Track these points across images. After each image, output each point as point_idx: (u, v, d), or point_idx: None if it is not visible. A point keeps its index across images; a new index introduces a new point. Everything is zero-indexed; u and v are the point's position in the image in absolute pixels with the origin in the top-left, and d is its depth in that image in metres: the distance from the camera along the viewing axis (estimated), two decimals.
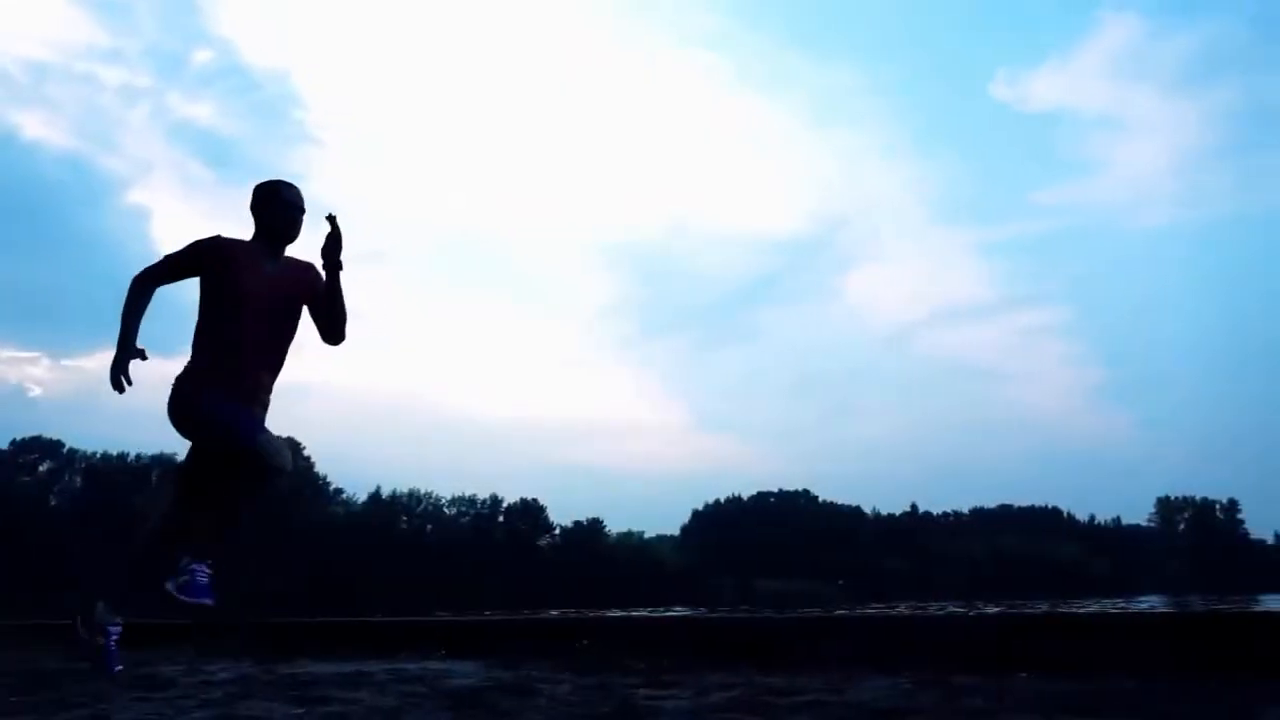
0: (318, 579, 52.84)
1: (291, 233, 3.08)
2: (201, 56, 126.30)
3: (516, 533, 74.51)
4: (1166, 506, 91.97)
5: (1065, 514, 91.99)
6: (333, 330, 3.07)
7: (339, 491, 70.50)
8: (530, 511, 77.03)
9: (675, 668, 2.41)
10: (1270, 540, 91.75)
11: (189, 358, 2.97)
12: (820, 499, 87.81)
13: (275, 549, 49.58)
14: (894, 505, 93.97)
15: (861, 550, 76.98)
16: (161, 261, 2.99)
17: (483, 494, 76.76)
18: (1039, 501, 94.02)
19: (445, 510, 75.38)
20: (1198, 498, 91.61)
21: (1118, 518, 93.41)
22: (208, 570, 2.73)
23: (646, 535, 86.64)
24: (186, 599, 2.65)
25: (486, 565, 66.16)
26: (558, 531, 78.33)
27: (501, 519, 76.11)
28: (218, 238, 3.01)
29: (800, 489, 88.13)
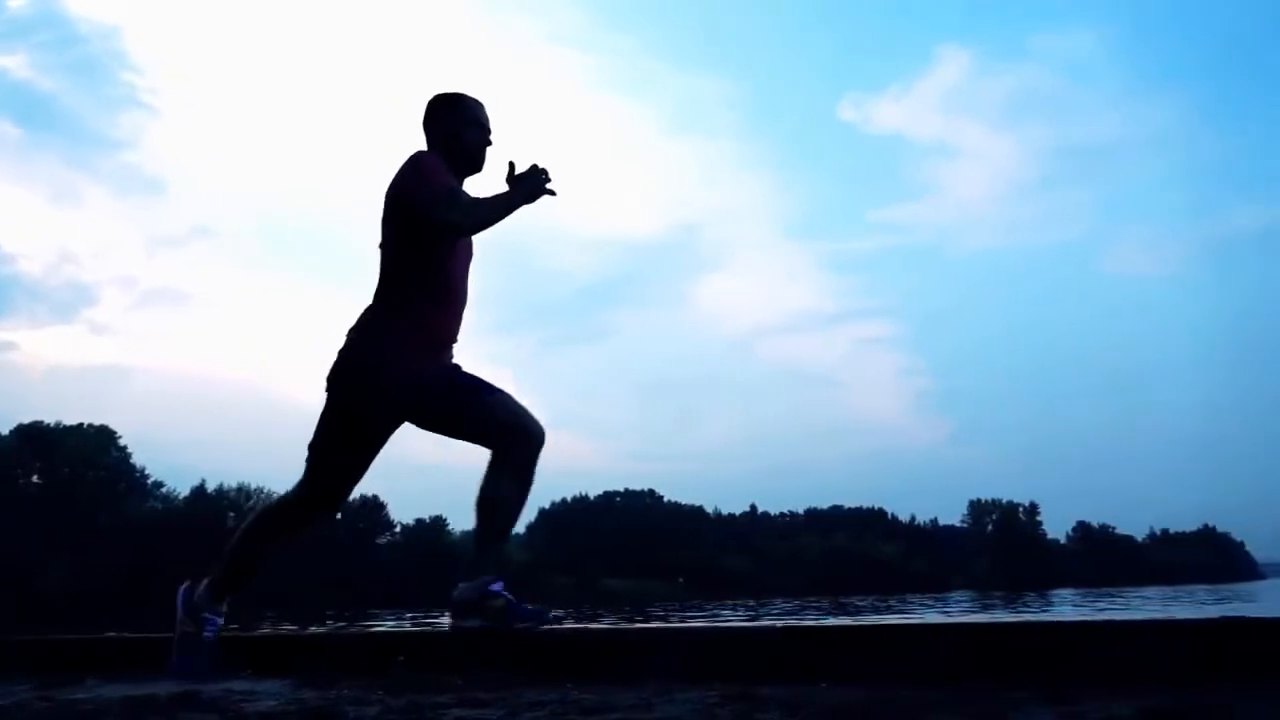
0: (133, 581, 48.93)
1: (481, 163, 2.59)
2: (15, 1, 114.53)
3: (354, 531, 71.79)
4: (977, 508, 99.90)
5: (889, 515, 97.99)
6: None
7: (158, 485, 65.70)
8: (369, 508, 74.38)
9: (494, 684, 2.40)
10: (1063, 540, 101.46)
11: (376, 307, 2.49)
12: (665, 499, 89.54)
13: (82, 549, 45.51)
14: (734, 505, 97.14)
15: (703, 549, 79.07)
16: (445, 187, 2.41)
17: None
18: (866, 503, 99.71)
19: None
20: (1004, 500, 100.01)
21: (935, 519, 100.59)
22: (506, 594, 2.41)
23: None
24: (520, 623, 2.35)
25: (322, 565, 63.41)
26: (398, 529, 76.11)
27: (338, 516, 73.14)
28: (438, 158, 2.49)
29: (646, 489, 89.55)
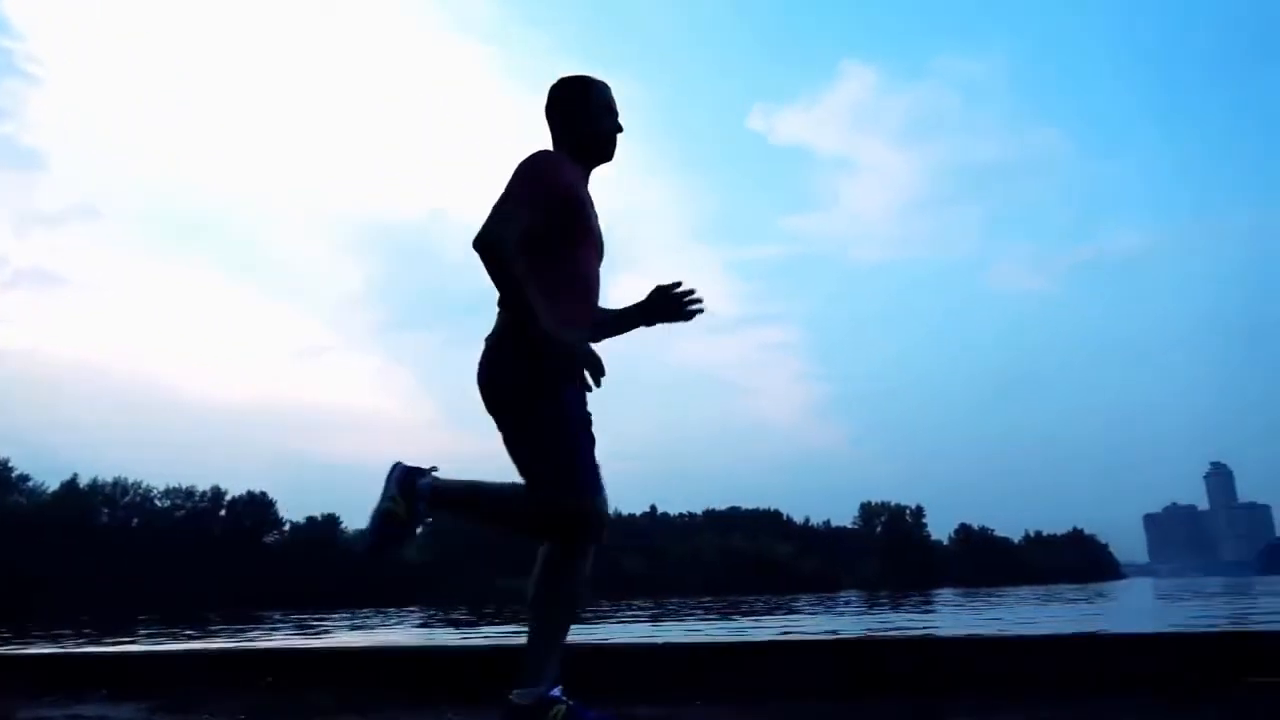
0: None
1: (613, 152, 2.37)
2: None
3: (240, 529, 68.87)
4: (868, 510, 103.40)
5: (785, 516, 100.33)
6: None
7: (24, 478, 61.55)
8: (257, 505, 71.51)
9: (367, 706, 2.33)
10: (946, 541, 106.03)
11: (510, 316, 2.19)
12: None
13: None
14: (635, 506, 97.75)
15: (604, 550, 79.17)
16: (516, 203, 2.11)
17: (203, 485, 70.25)
18: (763, 504, 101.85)
19: (157, 502, 68.10)
20: (893, 503, 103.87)
21: (828, 520, 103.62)
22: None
23: None
24: None
25: (204, 563, 60.57)
26: (287, 528, 73.42)
27: (223, 513, 70.06)
28: (559, 153, 2.28)
29: None
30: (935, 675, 2.27)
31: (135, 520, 65.88)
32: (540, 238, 2.16)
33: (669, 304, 2.43)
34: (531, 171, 2.14)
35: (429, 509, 2.18)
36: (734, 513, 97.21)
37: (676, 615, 17.63)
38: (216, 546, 64.25)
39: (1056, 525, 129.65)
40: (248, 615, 27.61)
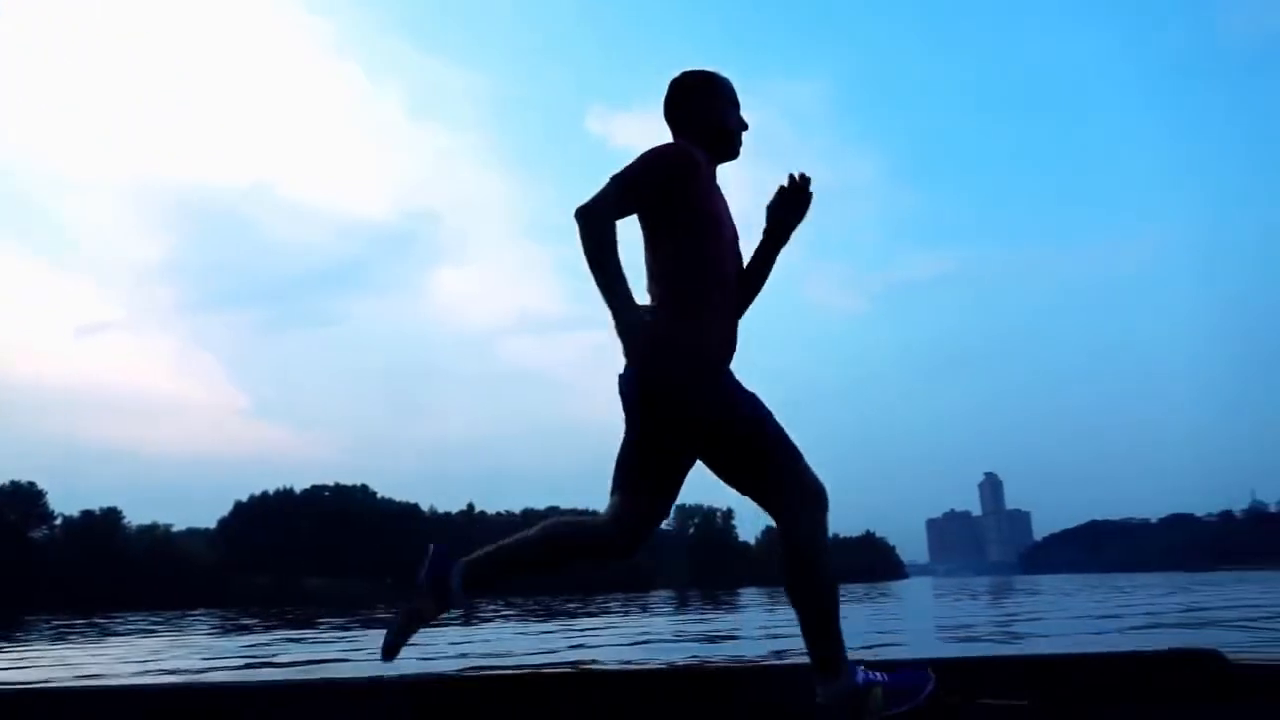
0: None
1: (737, 151, 2.25)
2: None
3: (3, 522, 61.65)
4: (681, 512, 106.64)
5: None
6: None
7: None
8: (22, 497, 64.24)
9: None
10: (753, 542, 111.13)
11: (657, 305, 2.06)
12: (379, 495, 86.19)
13: None
14: (452, 504, 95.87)
15: (416, 549, 77.10)
16: (625, 184, 2.01)
17: None
18: (582, 504, 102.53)
19: None
20: (705, 505, 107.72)
21: None
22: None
23: (175, 528, 77.50)
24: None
25: None
26: (59, 521, 66.42)
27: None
28: (687, 144, 2.13)
29: (359, 484, 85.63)
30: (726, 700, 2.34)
31: None
32: (667, 228, 2.09)
33: (795, 199, 2.23)
34: (653, 157, 2.06)
35: (465, 599, 2.12)
36: (553, 512, 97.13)
37: (491, 616, 17.57)
38: None
39: (851, 528, 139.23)
40: (18, 619, 24.85)
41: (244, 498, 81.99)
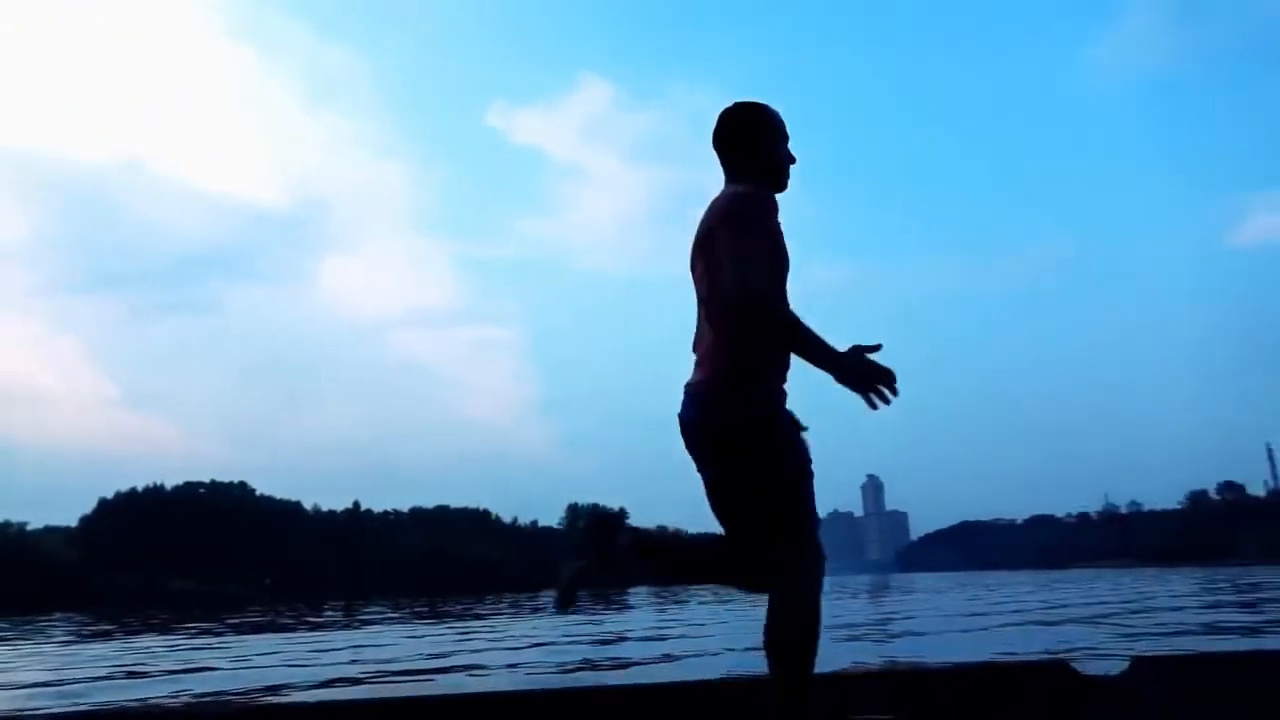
0: None
1: (787, 183, 2.17)
2: None
3: None
4: (574, 511, 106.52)
5: (493, 515, 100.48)
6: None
7: None
8: None
9: None
10: None
11: (738, 342, 1.96)
12: (258, 492, 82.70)
13: None
14: (337, 502, 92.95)
15: (298, 548, 74.33)
16: (765, 251, 1.94)
17: None
18: (472, 503, 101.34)
19: None
20: (599, 504, 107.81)
21: (535, 520, 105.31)
22: None
23: (30, 526, 72.39)
24: None
25: None
26: None
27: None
28: (759, 188, 2.07)
29: (236, 481, 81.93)
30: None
31: None
32: None
33: (874, 376, 1.95)
34: (764, 214, 2.02)
35: (632, 563, 2.04)
36: (442, 511, 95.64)
37: (375, 618, 17.11)
38: None
39: None
40: None
41: (110, 494, 77.32)
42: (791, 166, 2.20)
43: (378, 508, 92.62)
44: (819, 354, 1.92)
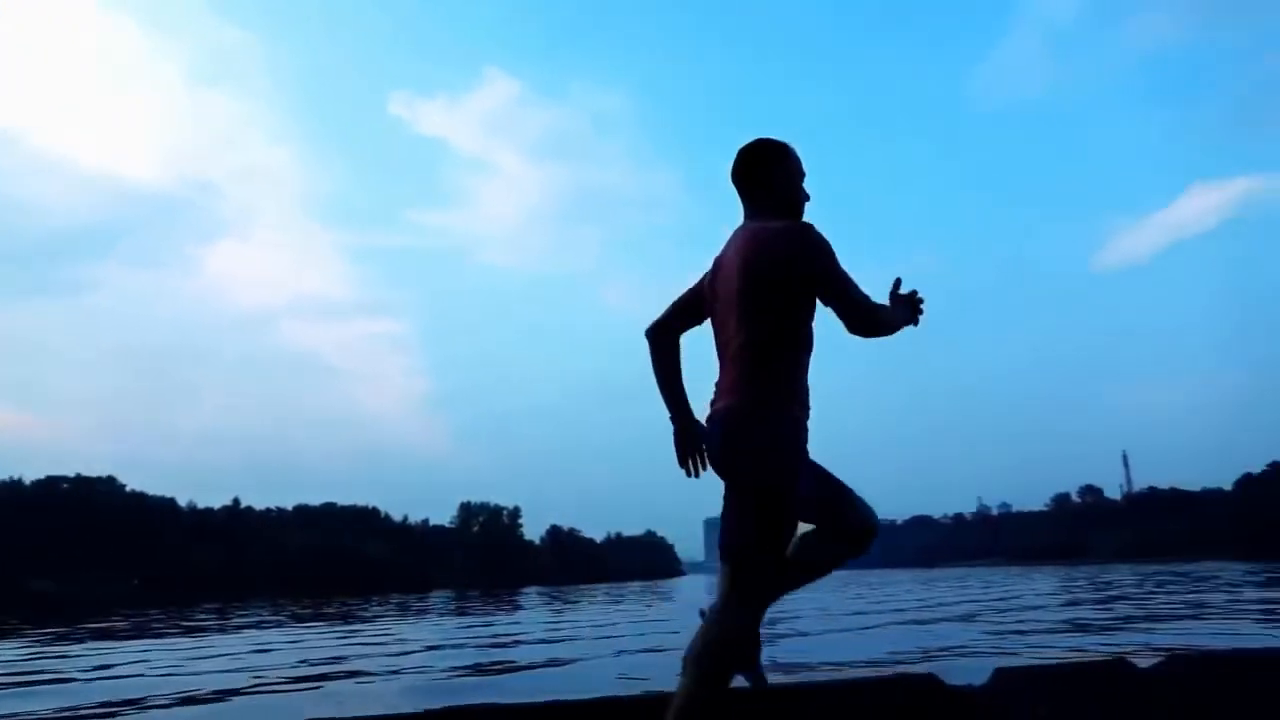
0: None
1: (801, 217, 2.30)
2: None
3: None
4: (467, 510, 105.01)
5: (382, 513, 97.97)
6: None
7: None
8: None
9: None
10: (538, 541, 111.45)
11: (766, 377, 2.11)
12: (128, 488, 78.06)
13: None
14: (214, 498, 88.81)
15: (171, 547, 70.49)
16: (849, 280, 2.15)
17: None
18: (360, 500, 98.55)
19: None
20: (492, 503, 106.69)
21: (427, 519, 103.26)
22: None
23: None
24: None
25: None
26: None
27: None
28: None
29: (104, 475, 77.11)
30: None
31: None
32: (801, 309, 2.16)
33: (917, 307, 2.38)
34: (822, 239, 2.14)
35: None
36: (329, 509, 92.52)
37: (246, 623, 16.37)
38: None
39: (634, 528, 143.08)
40: None
41: None
42: (806, 204, 2.31)
43: (260, 505, 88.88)
44: (899, 319, 2.27)
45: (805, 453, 2.18)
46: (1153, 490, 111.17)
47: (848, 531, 2.25)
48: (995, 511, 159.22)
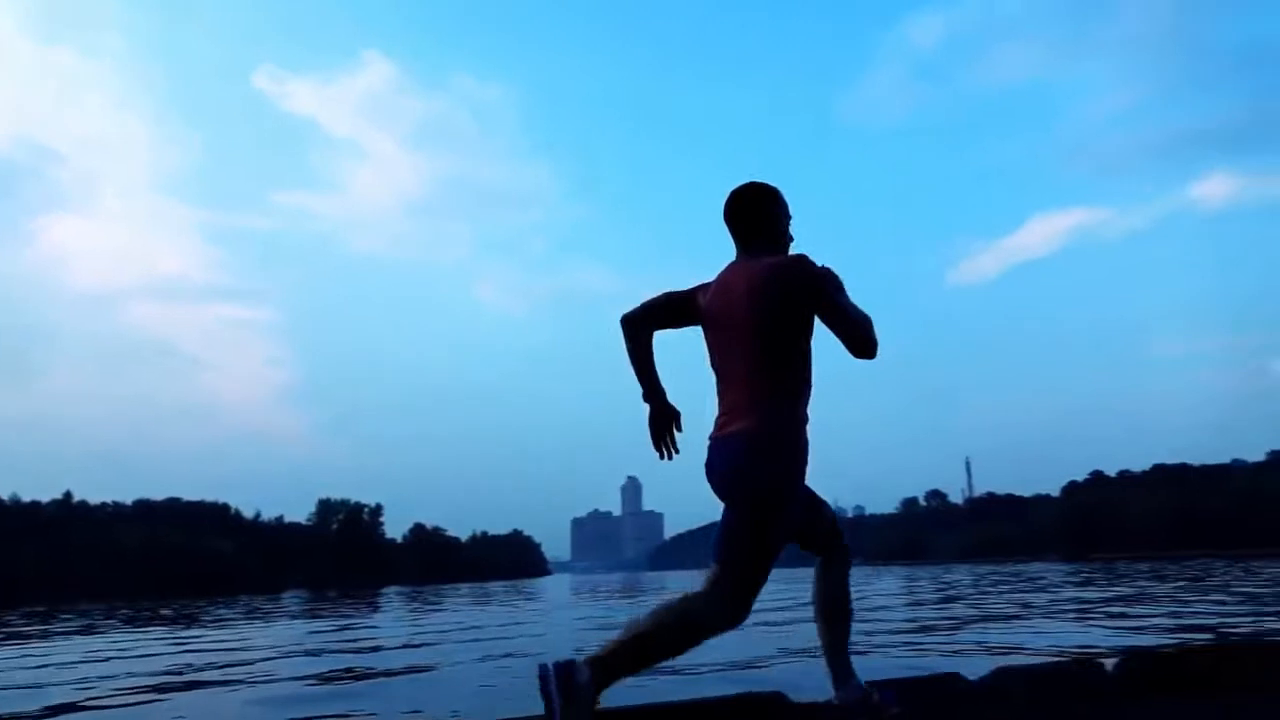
0: None
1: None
2: None
3: None
4: (325, 507, 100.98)
5: (233, 510, 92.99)
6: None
7: None
8: None
9: None
10: (400, 540, 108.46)
11: (781, 404, 2.25)
12: None
13: None
14: (43, 491, 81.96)
15: None
16: (852, 304, 2.28)
17: None
18: (209, 496, 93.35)
19: None
20: (353, 501, 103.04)
21: (281, 515, 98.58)
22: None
23: None
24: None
25: None
26: None
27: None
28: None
29: None
30: None
31: None
32: (805, 333, 2.30)
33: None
34: (832, 275, 2.28)
35: (598, 693, 2.06)
36: (173, 504, 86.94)
37: (61, 630, 15.15)
38: None
39: (500, 526, 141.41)
40: None
41: None
42: (791, 244, 2.50)
43: (94, 499, 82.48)
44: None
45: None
46: (991, 495, 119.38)
47: (825, 536, 2.55)
48: (850, 514, 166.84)
